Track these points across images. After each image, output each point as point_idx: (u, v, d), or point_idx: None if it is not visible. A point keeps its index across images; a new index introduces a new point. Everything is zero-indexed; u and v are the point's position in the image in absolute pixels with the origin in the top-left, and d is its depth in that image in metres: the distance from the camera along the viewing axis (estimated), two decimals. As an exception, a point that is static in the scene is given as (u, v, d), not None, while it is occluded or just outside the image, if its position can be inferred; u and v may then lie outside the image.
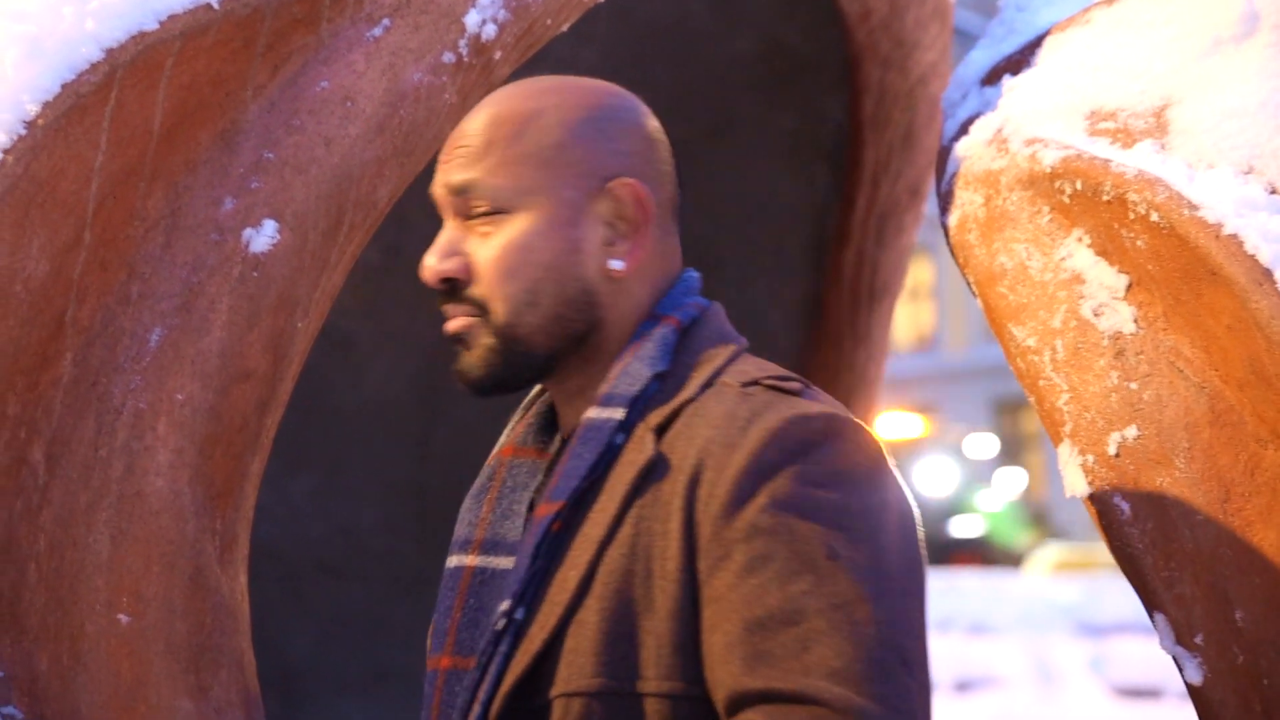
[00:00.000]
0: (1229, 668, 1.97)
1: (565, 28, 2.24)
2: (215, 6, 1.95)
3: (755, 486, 1.66)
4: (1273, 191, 2.00)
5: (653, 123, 1.88)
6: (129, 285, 1.93)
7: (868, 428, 1.73)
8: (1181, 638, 1.99)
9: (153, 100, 1.93)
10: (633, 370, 1.79)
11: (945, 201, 2.27)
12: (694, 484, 1.69)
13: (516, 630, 1.74)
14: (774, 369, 1.79)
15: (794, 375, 1.78)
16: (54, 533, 1.88)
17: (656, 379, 1.78)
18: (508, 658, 1.74)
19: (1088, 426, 2.06)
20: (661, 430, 1.75)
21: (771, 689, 1.60)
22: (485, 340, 1.81)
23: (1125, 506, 2.03)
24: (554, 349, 1.81)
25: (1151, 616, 2.03)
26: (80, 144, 1.89)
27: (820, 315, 3.23)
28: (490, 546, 1.85)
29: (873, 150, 3.05)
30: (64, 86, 1.88)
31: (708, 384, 1.77)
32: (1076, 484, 2.07)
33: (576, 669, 1.70)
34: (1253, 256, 1.91)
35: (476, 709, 1.74)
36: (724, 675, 1.63)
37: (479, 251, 1.81)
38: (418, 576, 3.39)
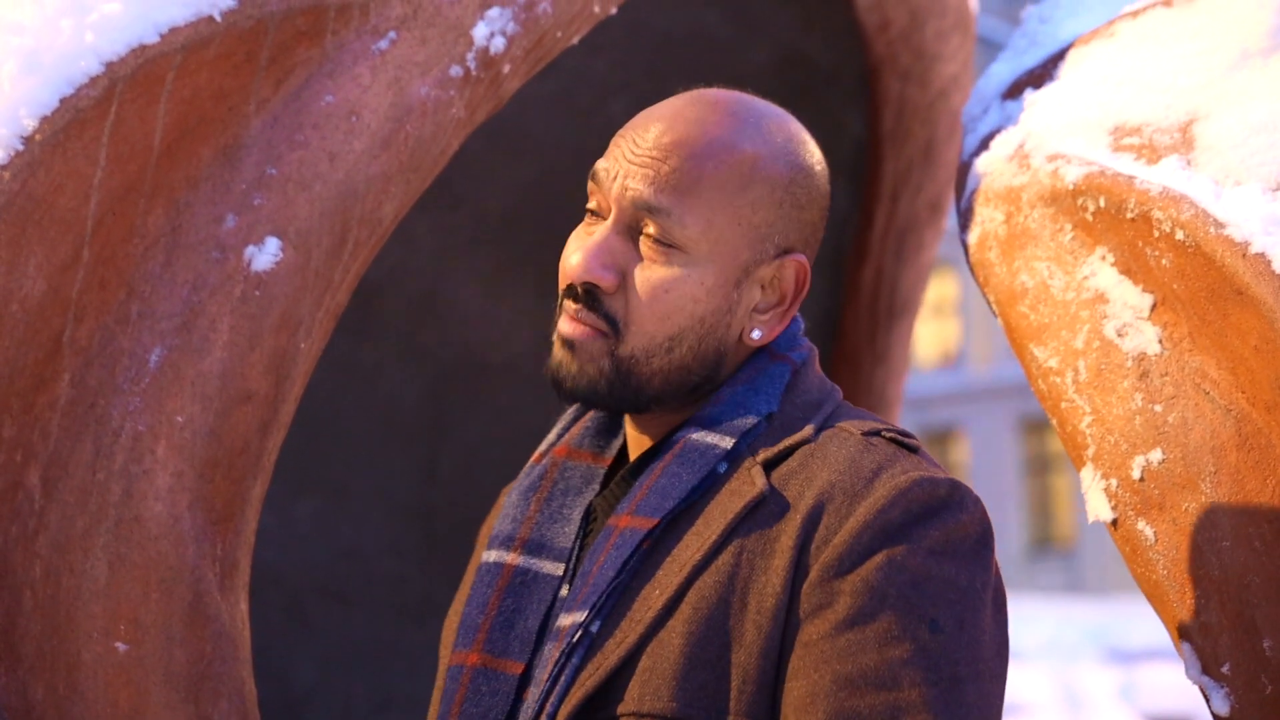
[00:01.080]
0: (1258, 699, 1.95)
1: (576, 40, 2.23)
2: (217, 19, 1.94)
3: (875, 543, 1.66)
4: (1302, 209, 1.97)
5: (829, 190, 1.85)
6: (128, 304, 1.91)
7: (979, 498, 1.73)
8: (1208, 667, 1.97)
9: (153, 115, 1.92)
10: (744, 401, 1.78)
11: (965, 219, 2.25)
12: (810, 525, 1.68)
13: (590, 643, 1.73)
14: (891, 423, 1.80)
15: (910, 432, 1.78)
16: (50, 558, 1.86)
17: (767, 418, 1.78)
18: (578, 670, 1.72)
19: (1111, 450, 2.04)
20: (769, 466, 1.74)
21: None
22: (601, 361, 1.78)
23: (1150, 532, 2.00)
24: (664, 393, 1.79)
25: (1177, 645, 2.00)
26: (79, 160, 1.88)
27: (838, 333, 3.22)
28: (535, 548, 1.83)
29: (892, 165, 3.03)
30: (62, 101, 1.87)
31: (823, 427, 1.77)
32: (1100, 509, 2.05)
33: (652, 690, 1.69)
34: (1281, 276, 1.89)
35: (539, 718, 1.73)
36: None
37: (640, 275, 1.77)
38: (425, 602, 3.37)
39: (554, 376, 1.80)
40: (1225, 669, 1.96)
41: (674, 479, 1.75)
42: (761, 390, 1.79)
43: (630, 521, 1.76)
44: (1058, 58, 2.29)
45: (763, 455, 1.75)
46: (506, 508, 1.88)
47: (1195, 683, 1.99)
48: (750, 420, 1.77)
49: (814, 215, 1.82)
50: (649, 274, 1.76)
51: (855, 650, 1.62)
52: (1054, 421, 2.12)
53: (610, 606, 1.74)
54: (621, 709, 1.69)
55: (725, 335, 1.79)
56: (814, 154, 1.84)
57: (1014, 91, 2.31)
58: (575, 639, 1.73)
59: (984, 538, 1.70)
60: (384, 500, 3.52)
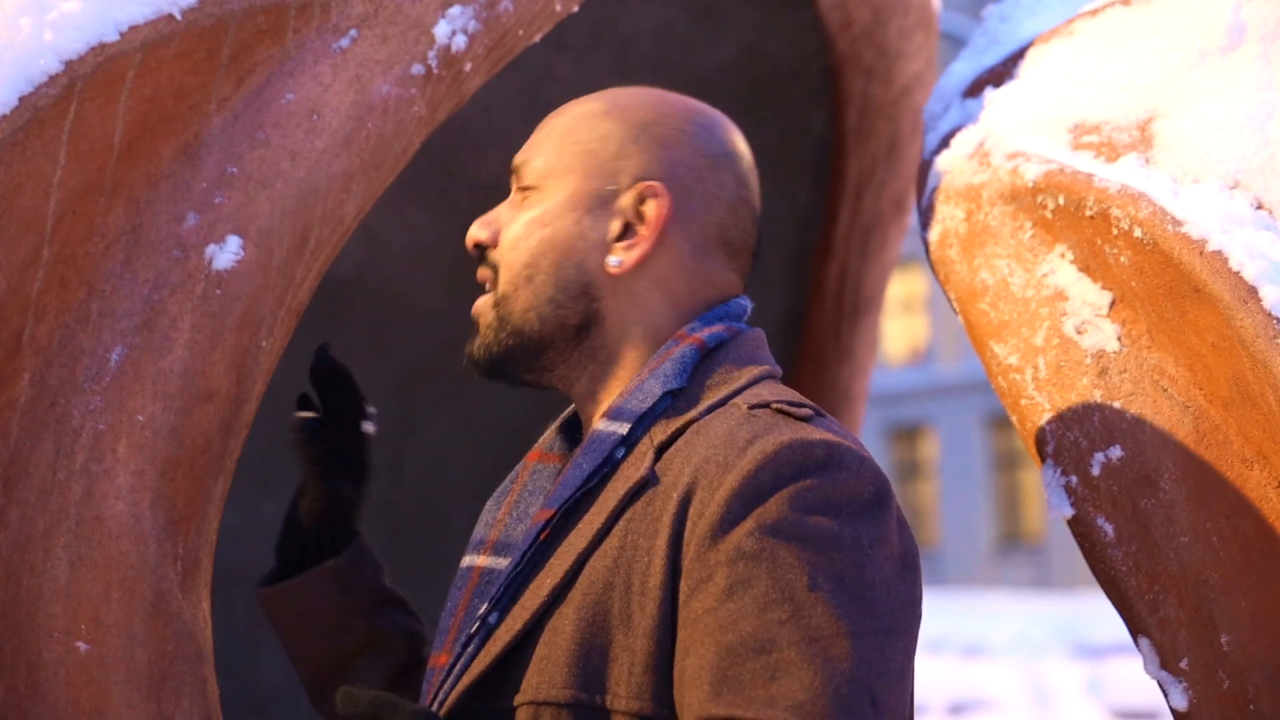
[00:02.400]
0: (1215, 693, 1.95)
1: (538, 38, 2.23)
2: (178, 17, 1.93)
3: (745, 509, 1.64)
4: (1259, 207, 1.99)
5: (729, 148, 1.88)
6: (89, 303, 1.90)
7: (872, 460, 1.71)
8: (1166, 662, 1.98)
9: (113, 113, 1.91)
10: (646, 386, 1.79)
11: (926, 216, 2.26)
12: (685, 502, 1.68)
13: (486, 632, 1.75)
14: (791, 394, 1.77)
15: (808, 402, 1.76)
16: (10, 558, 1.84)
17: (669, 395, 1.78)
18: (471, 659, 1.75)
19: (1071, 446, 2.05)
20: (663, 447, 1.75)
21: (734, 716, 1.58)
22: (488, 319, 1.86)
23: (1109, 528, 2.01)
24: (546, 334, 1.83)
25: (1136, 641, 2.01)
26: (38, 158, 1.87)
27: (802, 330, 3.21)
28: (500, 548, 1.86)
29: (856, 162, 3.03)
30: (21, 99, 1.85)
31: (719, 404, 1.76)
32: (1060, 505, 2.05)
33: (547, 678, 1.69)
34: (1237, 273, 1.90)
35: (435, 706, 1.77)
36: (690, 698, 1.62)
37: (508, 222, 1.87)
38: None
39: (465, 359, 1.89)
40: (1184, 664, 1.96)
41: (575, 470, 1.78)
42: (662, 374, 1.79)
43: (539, 515, 1.79)
44: (1018, 56, 2.30)
45: (659, 436, 1.75)
46: (482, 514, 1.92)
47: (1154, 678, 1.99)
48: (647, 404, 1.77)
49: (683, 157, 1.85)
50: (515, 216, 1.87)
51: (736, 618, 1.61)
52: (1014, 418, 2.12)
53: (509, 597, 1.76)
54: (519, 698, 1.71)
55: (583, 262, 1.83)
56: (701, 111, 1.90)
57: (975, 89, 2.31)
58: (473, 630, 1.76)
59: (874, 497, 1.67)
60: (348, 499, 3.50)
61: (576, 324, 1.83)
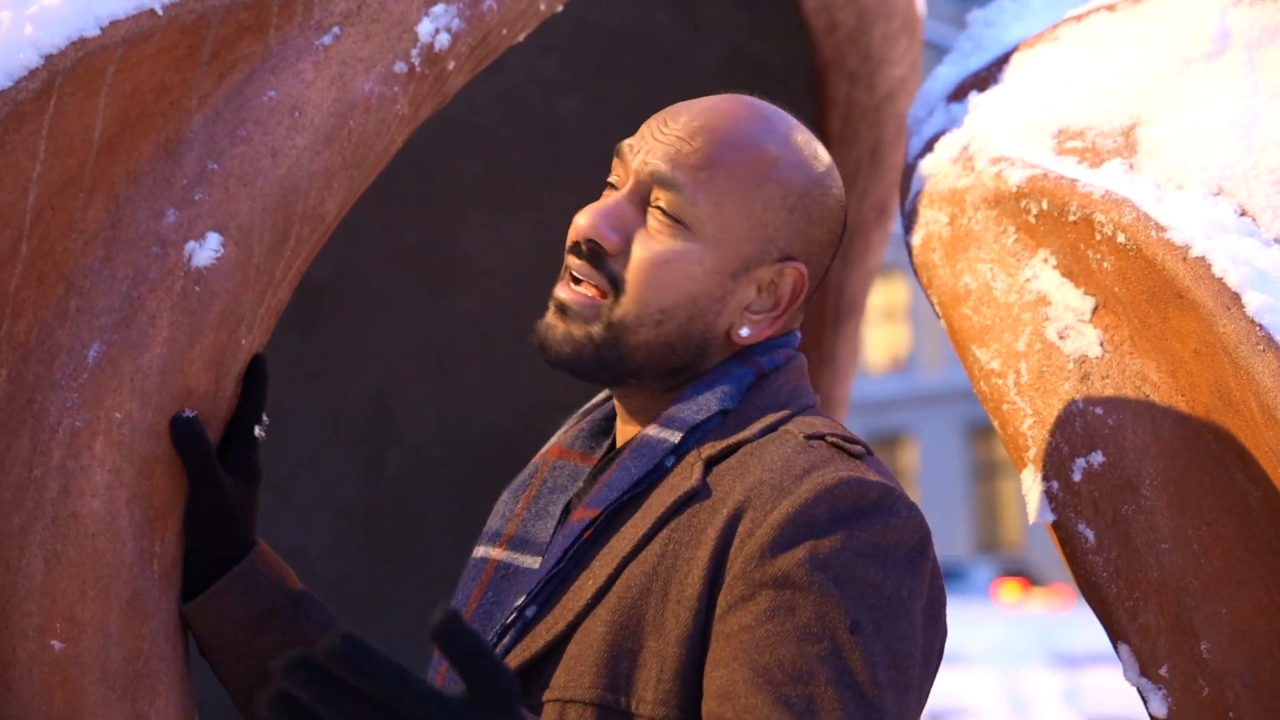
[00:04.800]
0: (1194, 701, 1.96)
1: (522, 37, 2.22)
2: (159, 12, 1.92)
3: (798, 538, 1.66)
4: (1242, 213, 1.99)
5: (845, 219, 1.91)
6: (67, 299, 1.89)
7: (917, 507, 1.74)
8: (1146, 669, 1.98)
9: (93, 109, 1.90)
10: (701, 400, 1.81)
11: (909, 220, 2.26)
12: (735, 519, 1.70)
13: (524, 626, 1.77)
14: (842, 429, 1.80)
15: (860, 439, 1.79)
16: (-15, 555, 1.83)
17: (721, 414, 1.80)
18: (507, 652, 1.76)
19: (1052, 452, 2.05)
20: (712, 462, 1.77)
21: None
22: (592, 326, 1.82)
23: (1089, 534, 2.01)
24: (646, 368, 1.83)
25: (1116, 647, 2.01)
26: (17, 153, 1.85)
27: (784, 335, 3.21)
28: (519, 543, 1.86)
29: (839, 167, 3.03)
30: (1, 94, 1.84)
31: (770, 429, 1.78)
32: (1041, 510, 2.06)
33: (576, 677, 1.71)
34: (1220, 279, 1.90)
35: None
36: (724, 711, 1.63)
37: (643, 243, 1.81)
38: (368, 601, 3.36)
39: (541, 338, 1.85)
40: (1163, 671, 1.97)
41: (623, 472, 1.79)
42: (720, 389, 1.81)
43: (581, 514, 1.80)
44: (1002, 61, 2.30)
45: (709, 451, 1.77)
46: (498, 505, 1.93)
47: (1133, 685, 2.00)
48: (701, 416, 1.79)
49: (822, 233, 1.86)
50: (652, 243, 1.81)
51: (775, 642, 1.63)
52: (995, 423, 2.13)
53: (548, 594, 1.77)
54: (547, 694, 1.72)
55: (714, 323, 1.82)
56: (835, 180, 1.89)
57: (959, 94, 2.31)
58: (509, 621, 1.77)
59: (918, 546, 1.71)
60: (329, 500, 3.50)
61: (677, 368, 1.84)
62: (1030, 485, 2.06)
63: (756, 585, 1.66)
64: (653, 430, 1.81)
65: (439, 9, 2.08)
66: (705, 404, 1.80)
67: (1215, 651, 1.94)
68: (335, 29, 2.04)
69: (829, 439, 1.75)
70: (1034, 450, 2.06)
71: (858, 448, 1.76)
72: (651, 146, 1.83)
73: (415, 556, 3.50)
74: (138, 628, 1.88)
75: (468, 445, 3.50)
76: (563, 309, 1.84)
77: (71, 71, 1.87)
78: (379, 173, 2.10)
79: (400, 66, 2.06)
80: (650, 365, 1.83)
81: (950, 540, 29.90)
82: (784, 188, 1.83)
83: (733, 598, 1.67)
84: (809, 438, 1.76)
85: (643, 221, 1.82)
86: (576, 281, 1.84)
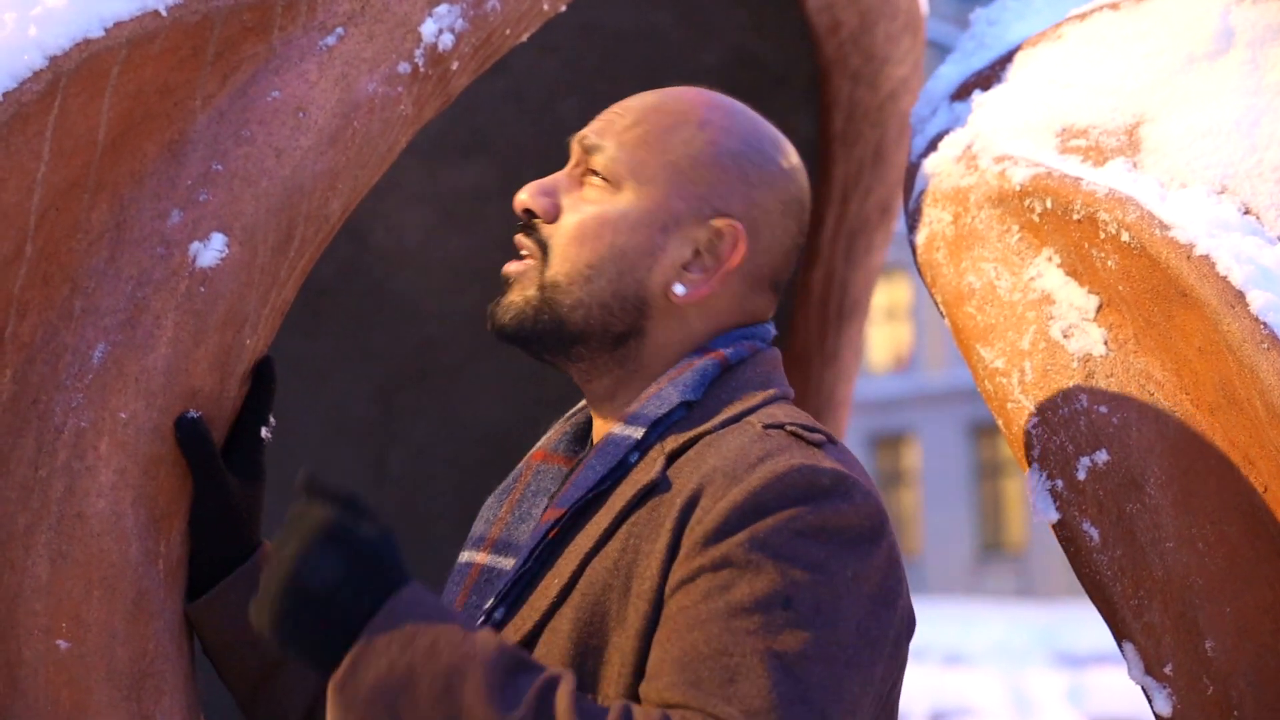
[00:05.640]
0: (1199, 699, 1.96)
1: (525, 38, 2.23)
2: (163, 13, 1.92)
3: (742, 522, 1.66)
4: (1246, 212, 1.99)
5: (800, 193, 1.90)
6: (72, 300, 1.90)
7: (876, 495, 1.73)
8: (1151, 668, 1.98)
9: (98, 109, 1.90)
10: (664, 394, 1.81)
11: (913, 219, 2.26)
12: (688, 509, 1.70)
13: (494, 629, 1.76)
14: (805, 418, 1.79)
15: (822, 428, 1.78)
16: (-10, 555, 1.83)
17: (684, 406, 1.80)
18: None
19: (1056, 450, 2.05)
20: (674, 455, 1.76)
21: (688, 705, 1.60)
22: (528, 290, 1.85)
23: (1094, 533, 2.01)
24: (585, 331, 1.83)
25: (1120, 646, 2.01)
26: (22, 154, 1.86)
27: (788, 335, 3.21)
28: (501, 547, 1.87)
29: (842, 167, 3.03)
30: (5, 95, 1.85)
31: (733, 420, 1.78)
32: (1045, 509, 2.05)
33: None
34: (1224, 278, 1.90)
35: None
36: (648, 689, 1.64)
37: (572, 206, 1.85)
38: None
39: (490, 318, 1.89)
40: (1168, 669, 1.97)
41: (588, 471, 1.79)
42: (681, 383, 1.81)
43: (549, 514, 1.80)
44: (1005, 60, 2.30)
45: (671, 445, 1.77)
46: (483, 510, 1.93)
47: (1138, 683, 2.00)
48: (663, 410, 1.79)
49: (768, 199, 1.85)
50: (581, 204, 1.85)
51: (706, 619, 1.62)
52: (1000, 422, 2.13)
53: (516, 595, 1.77)
54: None
55: (646, 280, 1.83)
56: (784, 152, 1.89)
57: (962, 93, 2.31)
58: (479, 624, 1.77)
59: (869, 533, 1.69)
60: (333, 500, 3.50)
61: (620, 333, 1.84)
62: (1035, 484, 2.06)
63: (698, 568, 1.65)
64: (617, 428, 1.81)
65: (442, 9, 2.08)
66: (667, 398, 1.80)
67: (1220, 650, 1.94)
68: (339, 29, 2.04)
69: (788, 427, 1.75)
70: (1038, 449, 2.06)
71: (817, 436, 1.75)
72: (592, 125, 1.89)
73: (419, 556, 3.49)
74: (143, 627, 1.89)
75: (471, 446, 3.51)
76: (505, 280, 1.88)
77: (76, 72, 1.87)
78: (382, 172, 2.11)
79: (404, 67, 2.06)
80: (590, 329, 1.83)
81: (953, 540, 29.90)
82: (714, 145, 1.84)
83: (675, 582, 1.67)
84: (767, 427, 1.75)
85: (577, 190, 1.87)
86: (519, 257, 1.88)
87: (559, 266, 1.84)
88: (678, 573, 1.67)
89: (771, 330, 1.91)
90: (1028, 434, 2.07)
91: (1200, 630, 1.95)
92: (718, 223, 1.83)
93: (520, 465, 1.94)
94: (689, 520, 1.69)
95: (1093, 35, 2.22)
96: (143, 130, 1.94)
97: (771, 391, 1.83)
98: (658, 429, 1.79)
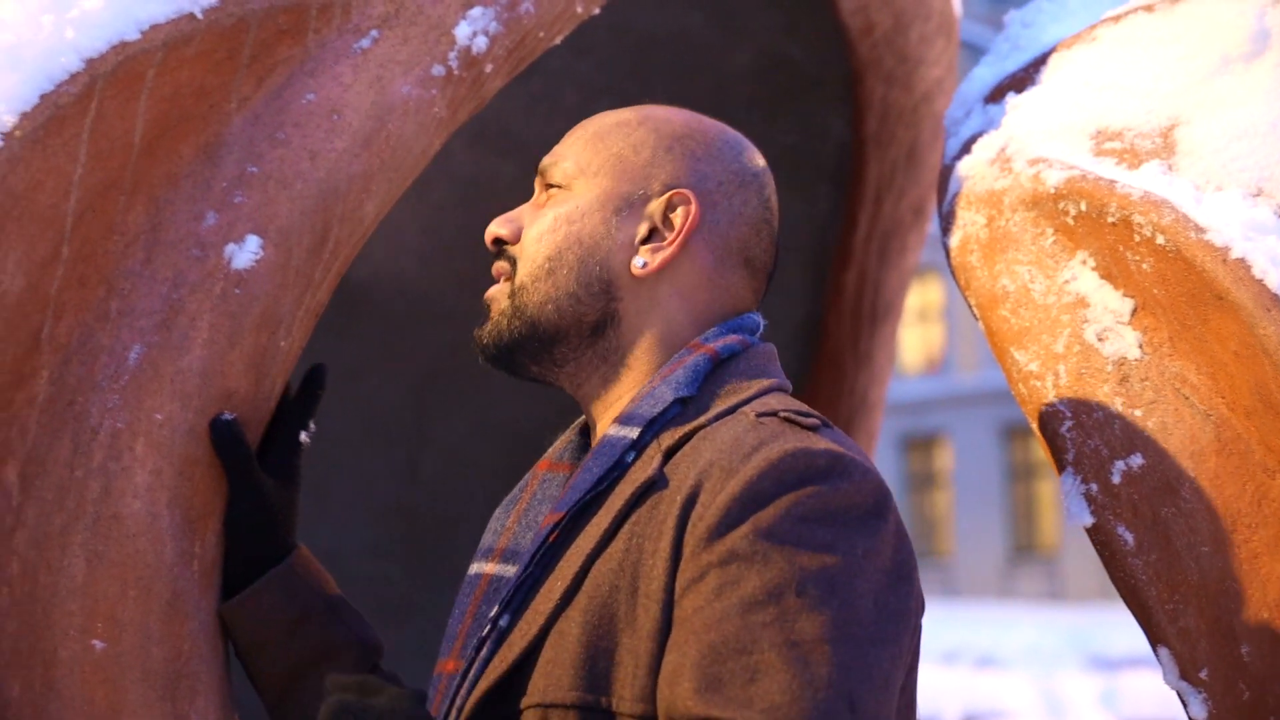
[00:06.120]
0: (1235, 704, 1.95)
1: (559, 40, 2.23)
2: (199, 16, 1.93)
3: (744, 514, 1.66)
4: (1282, 214, 1.98)
5: (754, 168, 1.92)
6: (108, 301, 1.91)
7: (875, 472, 1.72)
8: (1186, 672, 1.98)
9: (134, 112, 1.91)
10: (657, 392, 1.81)
11: (947, 222, 2.26)
12: (688, 505, 1.70)
13: (499, 637, 1.77)
14: (799, 405, 1.79)
15: (816, 413, 1.78)
16: (27, 556, 1.85)
17: (679, 403, 1.81)
18: (486, 663, 1.76)
19: (1091, 454, 2.04)
20: (671, 452, 1.77)
21: (710, 715, 1.59)
22: (502, 305, 1.89)
23: (1129, 537, 2.01)
24: (561, 327, 1.86)
25: (1155, 650, 2.01)
26: (59, 156, 1.87)
27: (821, 337, 3.22)
28: (509, 556, 1.87)
29: (875, 168, 3.04)
30: (42, 97, 1.86)
31: (727, 412, 1.78)
32: (1079, 513, 2.05)
33: (554, 680, 1.71)
34: (1261, 281, 1.90)
35: (453, 713, 1.77)
36: (670, 694, 1.63)
37: (532, 220, 1.90)
38: (404, 602, 3.37)
39: (475, 344, 1.92)
40: (1203, 674, 1.96)
41: (585, 474, 1.80)
42: (674, 381, 1.82)
43: (548, 518, 1.81)
44: (1040, 62, 2.29)
45: (667, 441, 1.78)
46: (491, 522, 1.93)
47: (1173, 688, 1.99)
48: (657, 409, 1.80)
49: (713, 171, 1.89)
50: (537, 214, 1.90)
51: (720, 618, 1.62)
52: (1034, 425, 2.12)
53: (520, 601, 1.78)
54: (525, 701, 1.72)
55: (608, 261, 1.86)
56: (730, 132, 1.93)
57: (996, 95, 2.31)
58: (485, 633, 1.77)
59: (874, 509, 1.69)
60: (365, 501, 3.51)
61: (593, 322, 1.86)
62: (1070, 488, 2.06)
63: (705, 565, 1.65)
64: (613, 429, 1.81)
65: (476, 12, 2.09)
66: (661, 396, 1.81)
67: (1256, 655, 1.94)
68: (373, 32, 2.05)
69: (781, 414, 1.75)
70: (1072, 453, 2.05)
71: (811, 420, 1.75)
72: (547, 156, 1.95)
73: (450, 556, 3.51)
74: (178, 628, 1.90)
75: (503, 447, 3.51)
76: (485, 307, 1.92)
77: (112, 75, 1.89)
78: (417, 175, 2.11)
79: (438, 69, 2.07)
80: (563, 324, 1.85)
81: (985, 542, 29.83)
82: (656, 132, 1.89)
83: (685, 581, 1.66)
84: (760, 415, 1.75)
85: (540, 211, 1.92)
86: (493, 273, 1.93)
87: (523, 270, 1.88)
88: (686, 572, 1.67)
89: (758, 321, 1.91)
90: (1062, 438, 2.07)
91: (1236, 635, 1.94)
92: (667, 195, 1.87)
93: (527, 475, 1.94)
94: (690, 517, 1.69)
95: (1127, 37, 2.22)
96: (178, 132, 1.95)
97: (766, 382, 1.83)
98: (653, 427, 1.79)
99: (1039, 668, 13.77)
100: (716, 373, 1.83)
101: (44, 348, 1.88)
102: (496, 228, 1.91)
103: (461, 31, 2.08)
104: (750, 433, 1.72)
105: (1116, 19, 2.25)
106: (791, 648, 1.59)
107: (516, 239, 1.90)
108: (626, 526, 1.74)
